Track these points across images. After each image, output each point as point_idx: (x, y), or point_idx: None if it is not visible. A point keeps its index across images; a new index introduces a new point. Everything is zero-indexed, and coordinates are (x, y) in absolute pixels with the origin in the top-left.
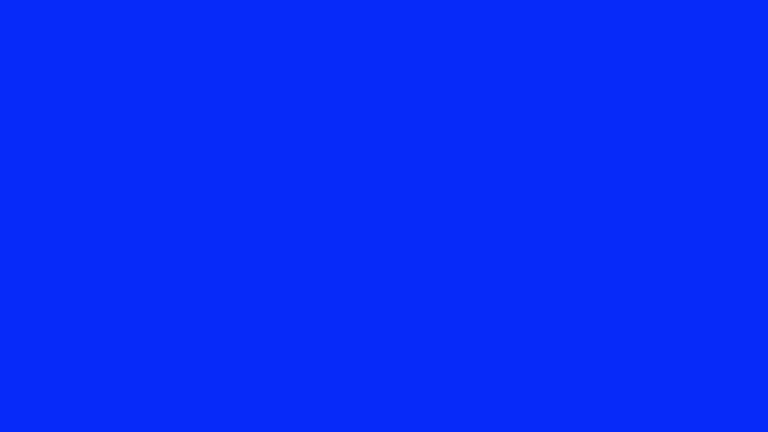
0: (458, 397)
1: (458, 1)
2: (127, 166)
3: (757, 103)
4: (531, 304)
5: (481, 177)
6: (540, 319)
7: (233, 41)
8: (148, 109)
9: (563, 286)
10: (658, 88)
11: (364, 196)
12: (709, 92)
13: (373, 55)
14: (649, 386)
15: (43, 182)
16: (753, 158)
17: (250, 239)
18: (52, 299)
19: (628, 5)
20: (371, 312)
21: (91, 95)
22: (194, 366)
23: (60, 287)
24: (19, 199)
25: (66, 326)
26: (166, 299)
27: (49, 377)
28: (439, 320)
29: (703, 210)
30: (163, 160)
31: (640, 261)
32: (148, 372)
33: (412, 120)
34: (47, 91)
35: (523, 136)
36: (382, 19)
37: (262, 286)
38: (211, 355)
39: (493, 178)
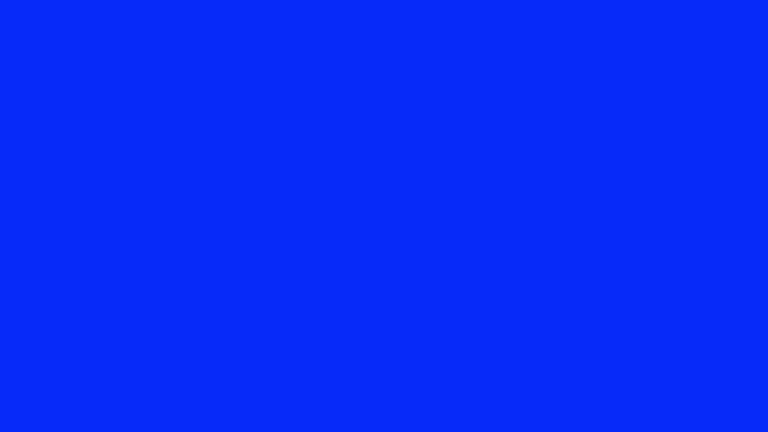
0: (458, 397)
1: (458, 1)
2: (127, 166)
3: (757, 103)
4: (531, 304)
5: (481, 177)
6: (540, 319)
7: (233, 41)
8: (148, 109)
9: (563, 286)
10: (658, 88)
11: (364, 196)
12: (709, 92)
13: (373, 56)
14: (649, 386)
15: (43, 182)
16: (753, 158)
17: (250, 239)
18: (52, 299)
19: (628, 5)
20: (371, 312)
21: (91, 95)
22: (194, 366)
23: (60, 287)
24: (19, 199)
25: (66, 326)
26: (167, 299)
27: (49, 377)
28: (439, 320)
29: (703, 210)
30: (163, 160)
31: (641, 261)
32: (148, 372)
33: (412, 120)
34: (47, 91)
35: (523, 136)
36: (382, 19)
37: (262, 286)
38: (211, 355)
39: (493, 178)
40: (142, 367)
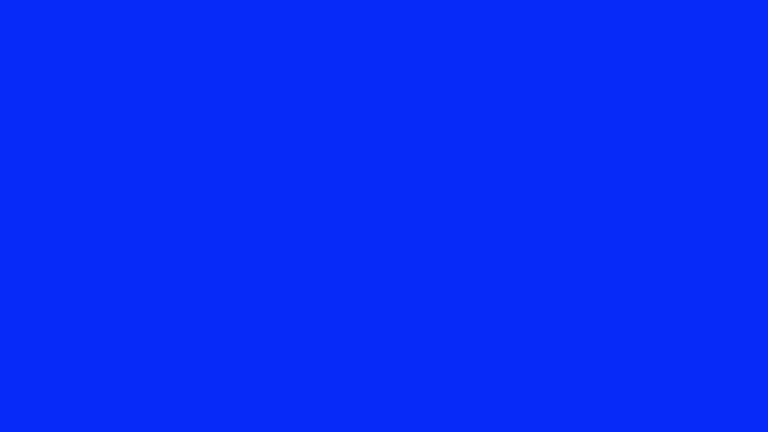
0: (458, 397)
1: (458, 1)
2: (128, 166)
3: (757, 103)
4: (531, 304)
5: (481, 177)
6: (540, 319)
7: (233, 41)
8: (148, 109)
9: (563, 286)
10: (658, 89)
11: (364, 196)
12: (709, 92)
13: (373, 56)
14: (649, 386)
15: (43, 182)
16: (753, 158)
17: (250, 239)
18: (53, 299)
19: (628, 5)
20: (371, 312)
21: (91, 95)
22: (194, 366)
23: (60, 287)
24: (19, 199)
25: (66, 326)
26: (167, 299)
27: (49, 377)
28: (440, 320)
29: (703, 210)
30: (164, 161)
31: (641, 261)
32: (148, 372)
33: (412, 120)
34: (47, 91)
35: (523, 136)
36: (382, 19)
37: (262, 287)
38: (211, 355)
39: (493, 178)
40: (142, 367)
